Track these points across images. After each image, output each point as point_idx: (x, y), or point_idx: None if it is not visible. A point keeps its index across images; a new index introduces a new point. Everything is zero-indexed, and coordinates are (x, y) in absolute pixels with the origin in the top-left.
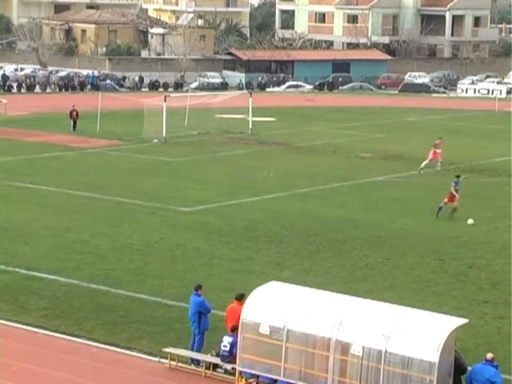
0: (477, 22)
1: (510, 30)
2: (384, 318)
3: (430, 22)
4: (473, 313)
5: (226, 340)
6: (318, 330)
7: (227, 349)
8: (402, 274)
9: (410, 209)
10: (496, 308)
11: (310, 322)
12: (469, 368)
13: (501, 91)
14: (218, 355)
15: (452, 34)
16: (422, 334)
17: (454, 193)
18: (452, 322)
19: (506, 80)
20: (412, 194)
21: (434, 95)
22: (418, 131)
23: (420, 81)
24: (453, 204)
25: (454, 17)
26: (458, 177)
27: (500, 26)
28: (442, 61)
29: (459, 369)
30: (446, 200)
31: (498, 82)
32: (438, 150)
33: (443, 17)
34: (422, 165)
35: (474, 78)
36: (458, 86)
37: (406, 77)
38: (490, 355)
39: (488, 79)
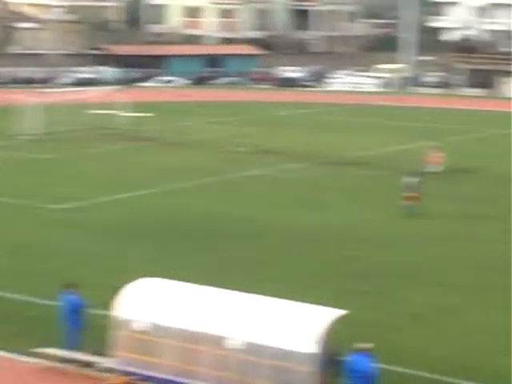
0: (347, 16)
1: (379, 25)
2: (261, 310)
3: (302, 17)
4: (350, 304)
5: None
6: (193, 325)
7: None
8: (279, 267)
9: (283, 202)
10: (373, 298)
11: (185, 317)
12: (346, 359)
13: (370, 85)
14: (95, 353)
15: (323, 29)
16: (301, 326)
17: None
18: (330, 314)
19: (374, 74)
20: (284, 188)
21: (306, 89)
22: (289, 125)
23: (292, 75)
24: None
25: (325, 12)
26: None
27: (370, 20)
28: (313, 55)
29: (336, 360)
30: None
31: (367, 76)
32: None
33: (314, 11)
34: None
35: (343, 72)
36: (329, 80)
37: (279, 71)
38: (365, 345)
39: (357, 73)
